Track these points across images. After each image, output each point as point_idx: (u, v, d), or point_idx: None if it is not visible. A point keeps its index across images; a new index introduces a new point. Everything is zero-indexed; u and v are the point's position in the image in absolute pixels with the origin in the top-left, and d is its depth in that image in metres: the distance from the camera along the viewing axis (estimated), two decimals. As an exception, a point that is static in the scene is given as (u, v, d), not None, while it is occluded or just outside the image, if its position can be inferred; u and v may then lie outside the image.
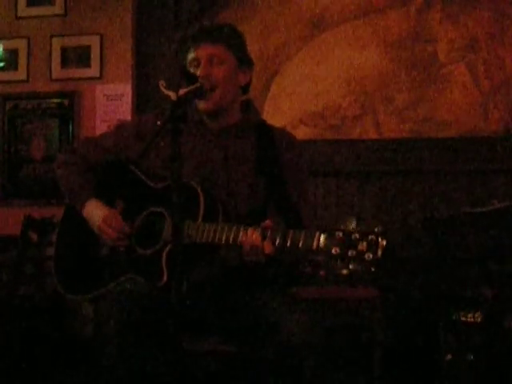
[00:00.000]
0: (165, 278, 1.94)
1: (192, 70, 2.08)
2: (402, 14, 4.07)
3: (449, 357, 3.08)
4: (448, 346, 3.10)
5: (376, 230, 1.65)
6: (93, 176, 2.25)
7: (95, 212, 2.15)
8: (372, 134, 4.07)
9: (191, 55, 2.12)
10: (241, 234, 1.87)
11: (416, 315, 3.75)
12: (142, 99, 4.22)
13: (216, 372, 2.18)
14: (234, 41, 2.15)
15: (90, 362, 3.13)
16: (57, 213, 3.05)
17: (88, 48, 4.22)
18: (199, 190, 2.00)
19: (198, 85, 1.95)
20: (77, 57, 4.24)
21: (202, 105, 2.10)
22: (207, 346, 2.10)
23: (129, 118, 4.13)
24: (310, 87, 4.13)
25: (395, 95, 4.05)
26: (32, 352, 3.41)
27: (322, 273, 3.46)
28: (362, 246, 1.64)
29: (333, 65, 4.12)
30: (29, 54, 4.29)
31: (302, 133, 3.98)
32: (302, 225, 1.99)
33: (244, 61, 2.18)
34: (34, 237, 3.68)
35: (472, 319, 3.05)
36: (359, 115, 4.08)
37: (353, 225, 1.69)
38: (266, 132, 2.20)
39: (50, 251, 2.27)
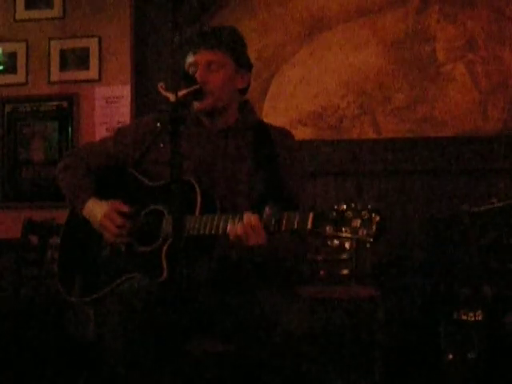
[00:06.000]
0: (165, 273, 1.95)
1: (191, 72, 2.09)
2: (400, 14, 4.08)
3: (450, 356, 3.08)
4: (449, 345, 3.11)
5: (369, 206, 1.67)
6: (93, 178, 2.25)
7: (96, 209, 2.15)
8: (371, 134, 4.07)
9: (190, 59, 2.14)
10: (237, 219, 1.88)
11: (416, 314, 3.75)
12: (141, 101, 4.22)
13: (214, 371, 2.18)
14: (233, 45, 2.15)
15: (91, 364, 3.14)
16: (57, 215, 3.06)
17: (86, 50, 4.23)
18: (196, 184, 2.02)
19: (197, 86, 1.96)
20: (75, 59, 4.24)
21: (197, 105, 2.11)
22: (205, 345, 2.10)
23: (128, 120, 4.13)
24: (308, 87, 4.14)
25: (394, 95, 4.06)
26: (33, 354, 3.41)
27: (321, 272, 3.47)
28: (356, 222, 1.66)
29: (331, 65, 4.13)
30: (27, 57, 4.29)
31: (300, 133, 3.98)
32: None
33: (243, 64, 2.19)
34: (35, 240, 3.68)
35: (473, 318, 3.05)
36: (358, 115, 4.09)
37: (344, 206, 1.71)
38: (263, 131, 2.21)
39: (51, 254, 2.26)
